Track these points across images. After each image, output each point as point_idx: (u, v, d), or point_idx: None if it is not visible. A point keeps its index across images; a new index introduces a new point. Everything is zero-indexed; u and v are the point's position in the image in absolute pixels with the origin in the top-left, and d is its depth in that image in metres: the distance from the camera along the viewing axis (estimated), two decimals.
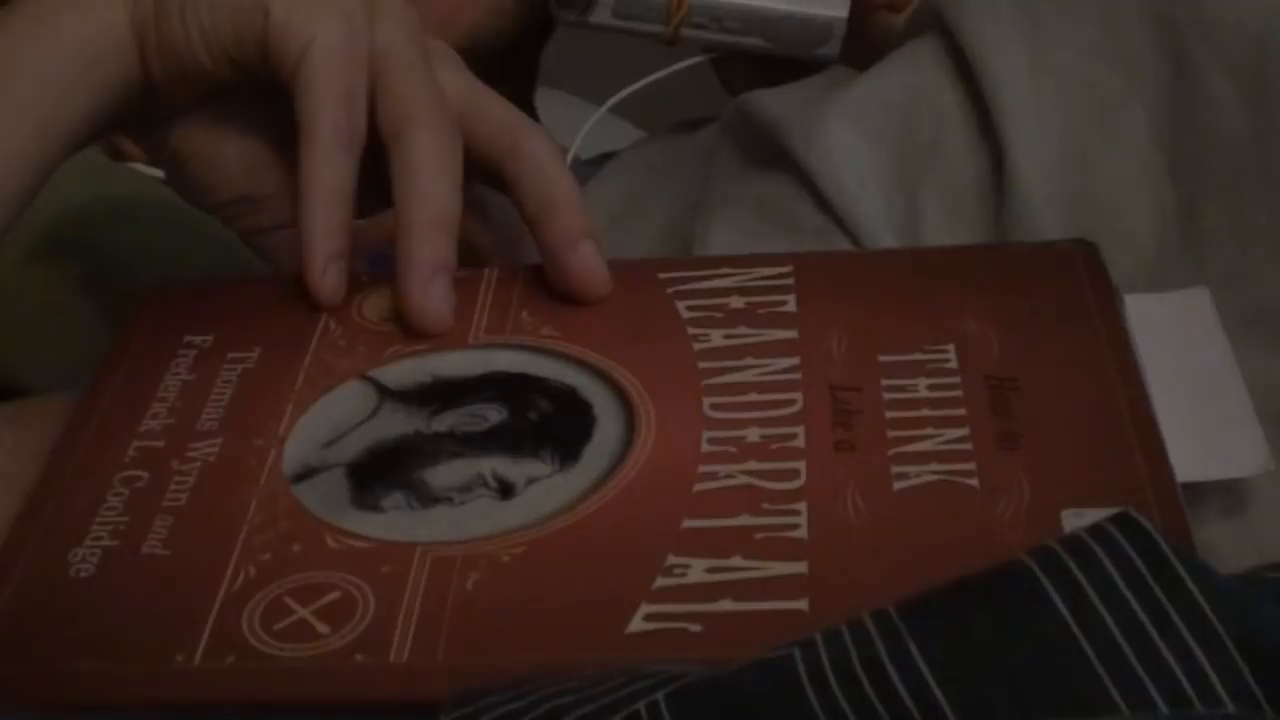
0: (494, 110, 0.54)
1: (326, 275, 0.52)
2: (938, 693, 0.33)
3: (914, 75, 0.59)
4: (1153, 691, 0.33)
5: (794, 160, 0.59)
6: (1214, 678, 0.33)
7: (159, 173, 0.74)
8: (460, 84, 0.54)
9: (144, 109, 0.54)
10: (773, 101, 0.63)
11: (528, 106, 0.88)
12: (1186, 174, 0.54)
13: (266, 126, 0.55)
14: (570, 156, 0.75)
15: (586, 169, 0.78)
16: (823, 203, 0.59)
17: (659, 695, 0.35)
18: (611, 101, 0.77)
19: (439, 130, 0.51)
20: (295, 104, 0.51)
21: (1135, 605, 0.34)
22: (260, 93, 0.53)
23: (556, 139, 0.55)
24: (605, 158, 0.82)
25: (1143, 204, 0.55)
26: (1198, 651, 0.34)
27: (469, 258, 0.57)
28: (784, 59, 0.75)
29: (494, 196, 0.55)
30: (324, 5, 0.51)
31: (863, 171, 0.58)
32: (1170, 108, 0.54)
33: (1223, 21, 0.53)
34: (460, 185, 0.51)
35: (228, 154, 0.55)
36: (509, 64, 0.83)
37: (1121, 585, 0.34)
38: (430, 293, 0.51)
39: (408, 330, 0.51)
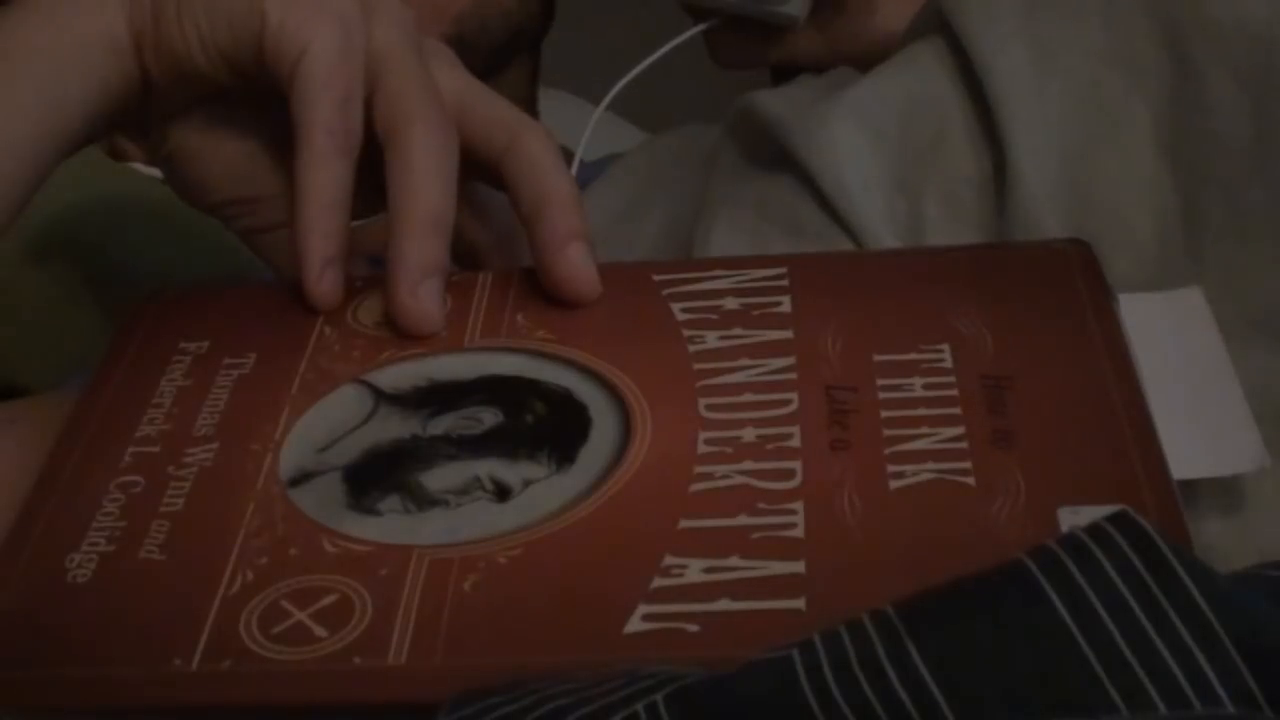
0: (491, 108, 0.54)
1: (322, 280, 0.52)
2: (936, 693, 0.33)
3: (916, 76, 0.59)
4: (1151, 691, 0.33)
5: (796, 161, 0.59)
6: (1213, 677, 0.33)
7: (159, 173, 0.74)
8: (457, 83, 0.54)
9: (142, 110, 0.55)
10: (776, 102, 0.63)
11: (529, 101, 0.88)
12: (1188, 174, 0.54)
13: (264, 127, 0.55)
14: (575, 163, 0.75)
15: (590, 170, 0.78)
16: (824, 203, 0.59)
17: (658, 696, 0.35)
18: (608, 98, 0.77)
19: (434, 130, 0.51)
20: (291, 108, 0.51)
21: (1134, 605, 0.34)
22: (258, 94, 0.53)
23: (557, 139, 0.54)
24: (609, 160, 0.82)
25: (1144, 204, 0.54)
26: (1196, 651, 0.33)
27: (468, 257, 0.57)
28: (753, 20, 0.75)
29: (493, 196, 0.55)
30: (320, 8, 0.51)
31: (864, 172, 0.58)
32: (1172, 108, 0.54)
33: (1225, 22, 0.53)
34: (455, 186, 0.51)
35: (225, 154, 0.55)
36: (508, 58, 0.83)
37: (1120, 585, 0.34)
38: (419, 294, 0.50)
39: (401, 333, 0.51)
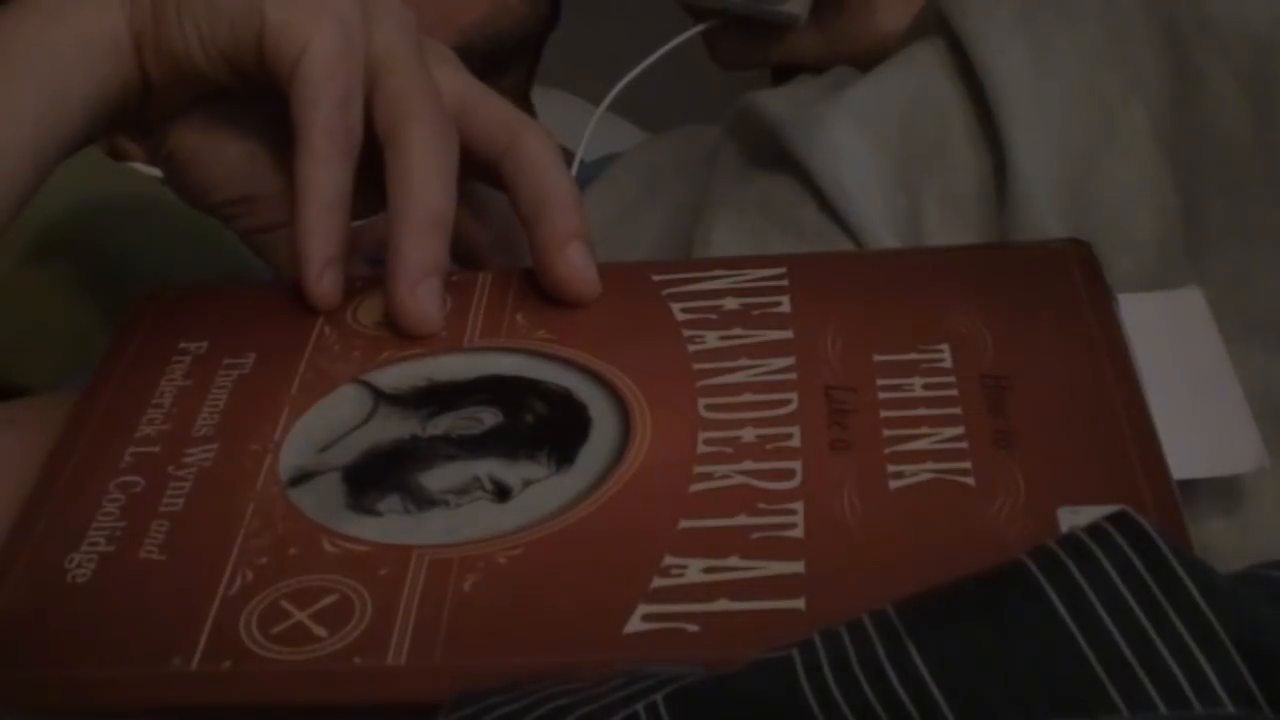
0: (491, 108, 0.54)
1: (322, 280, 0.51)
2: (936, 693, 0.33)
3: (916, 76, 0.59)
4: (1151, 691, 0.33)
5: (796, 161, 0.59)
6: (1212, 677, 0.33)
7: (159, 173, 0.74)
8: (457, 83, 0.54)
9: (142, 109, 0.54)
10: (776, 102, 0.63)
11: (524, 102, 0.88)
12: (1188, 175, 0.54)
13: (264, 127, 0.55)
14: (575, 163, 0.75)
15: (590, 170, 0.78)
16: (824, 204, 0.59)
17: (658, 696, 0.35)
18: (608, 98, 0.77)
19: (434, 130, 0.51)
20: (291, 107, 0.51)
21: (1134, 605, 0.34)
22: (258, 94, 0.53)
23: (557, 139, 0.54)
24: (608, 159, 0.82)
25: (1144, 205, 0.54)
26: (1196, 651, 0.33)
27: (467, 257, 0.57)
28: (753, 20, 0.75)
29: (493, 196, 0.55)
30: (320, 8, 0.51)
31: (864, 172, 0.58)
32: (1172, 108, 0.54)
33: (1224, 22, 0.53)
34: (455, 185, 0.51)
35: (225, 154, 0.55)
36: (509, 60, 0.83)
37: (1120, 585, 0.34)
38: (418, 294, 0.50)
39: (400, 333, 0.51)
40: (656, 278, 0.52)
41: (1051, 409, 0.45)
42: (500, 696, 0.36)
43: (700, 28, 0.77)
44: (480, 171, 0.54)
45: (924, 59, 0.59)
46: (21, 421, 0.53)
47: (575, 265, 0.51)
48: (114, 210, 0.76)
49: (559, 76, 1.00)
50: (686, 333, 0.50)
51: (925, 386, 0.46)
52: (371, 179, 0.52)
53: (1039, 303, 0.49)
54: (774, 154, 0.61)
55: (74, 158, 0.54)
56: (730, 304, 0.51)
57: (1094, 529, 0.35)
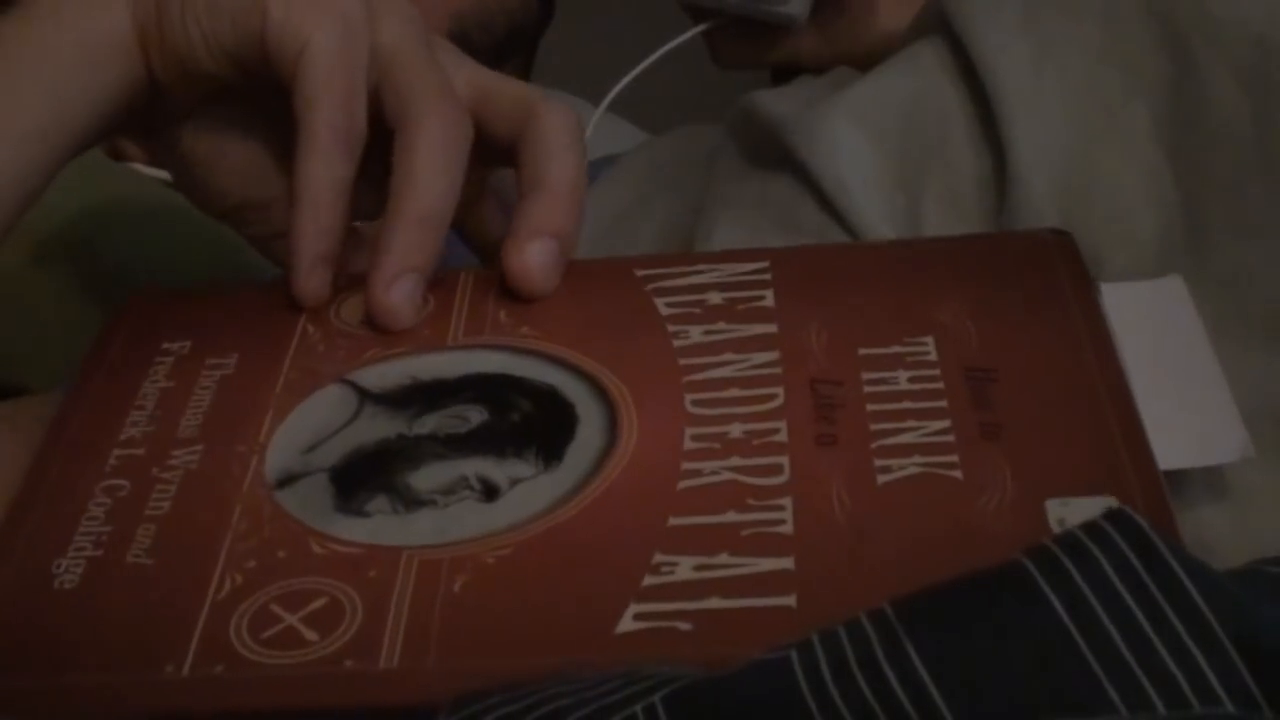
0: (508, 90, 0.54)
1: (311, 276, 0.51)
2: (935, 694, 0.33)
3: (917, 76, 0.59)
4: (1150, 691, 0.33)
5: (797, 160, 0.59)
6: (1211, 676, 0.33)
7: (160, 174, 0.74)
8: (469, 73, 0.54)
9: (148, 110, 0.54)
10: (776, 101, 0.63)
11: None
12: (1189, 173, 0.54)
13: (274, 129, 0.54)
14: None
15: (590, 170, 0.78)
16: (824, 203, 0.59)
17: (656, 698, 0.35)
18: (608, 98, 0.77)
19: (446, 122, 0.51)
20: (294, 105, 0.51)
21: (1132, 604, 0.34)
22: (267, 93, 0.53)
23: None
24: (608, 160, 0.82)
25: (1145, 203, 0.54)
26: (1195, 650, 0.33)
27: (487, 250, 0.56)
28: (753, 20, 0.74)
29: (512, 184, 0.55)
30: (322, 5, 0.51)
31: (865, 171, 0.58)
32: (1172, 107, 0.54)
33: (1225, 21, 0.53)
34: (458, 183, 0.51)
35: (236, 158, 0.55)
36: (507, 56, 0.83)
37: (1118, 584, 0.34)
38: (392, 290, 0.50)
39: (376, 329, 0.51)
40: (640, 272, 0.52)
41: (1037, 400, 0.45)
42: (500, 696, 0.36)
43: (700, 28, 0.77)
44: (505, 157, 0.53)
45: (925, 59, 0.59)
46: (20, 421, 0.53)
47: (528, 263, 0.51)
48: (114, 211, 0.76)
49: (559, 76, 1.00)
50: (671, 328, 0.49)
51: (910, 379, 0.46)
52: (385, 176, 0.52)
53: (1022, 293, 0.49)
54: (774, 154, 0.61)
55: (74, 158, 0.53)
56: (714, 298, 0.51)
57: (1092, 528, 0.35)
